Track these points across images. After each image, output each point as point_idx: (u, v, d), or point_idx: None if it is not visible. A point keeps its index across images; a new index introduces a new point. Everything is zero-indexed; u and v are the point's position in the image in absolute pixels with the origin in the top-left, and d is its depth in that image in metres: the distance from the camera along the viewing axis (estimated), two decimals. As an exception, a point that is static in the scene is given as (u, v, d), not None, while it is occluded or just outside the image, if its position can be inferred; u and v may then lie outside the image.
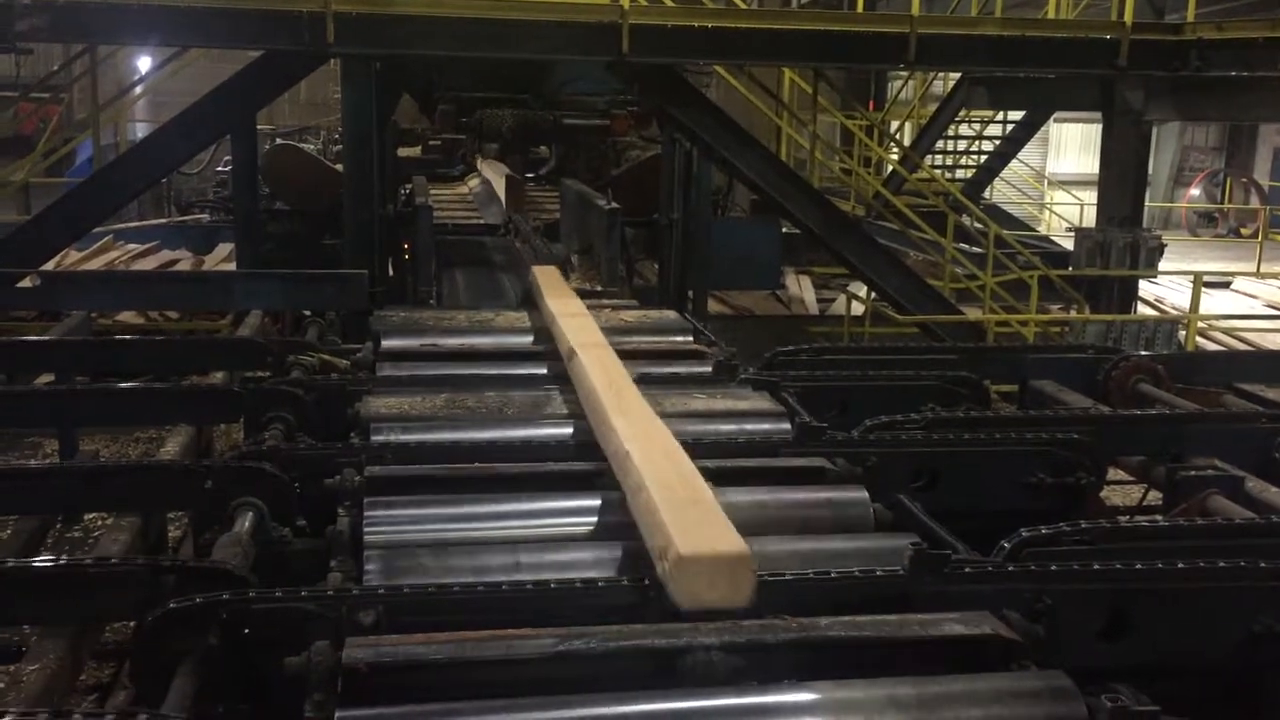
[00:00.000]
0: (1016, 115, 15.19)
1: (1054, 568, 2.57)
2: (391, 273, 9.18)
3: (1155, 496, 4.18)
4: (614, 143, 11.64)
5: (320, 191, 11.40)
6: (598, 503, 2.92)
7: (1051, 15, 11.72)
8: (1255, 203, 24.18)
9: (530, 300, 5.14)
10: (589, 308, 4.69)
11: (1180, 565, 2.60)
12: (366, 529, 2.72)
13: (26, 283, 6.41)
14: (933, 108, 15.58)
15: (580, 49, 8.59)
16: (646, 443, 2.93)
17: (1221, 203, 24.99)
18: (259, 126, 10.64)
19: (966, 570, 2.56)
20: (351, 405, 3.66)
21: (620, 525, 2.81)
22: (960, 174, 16.01)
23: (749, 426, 3.61)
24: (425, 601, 2.35)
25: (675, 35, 8.52)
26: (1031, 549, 2.73)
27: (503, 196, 10.10)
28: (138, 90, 13.90)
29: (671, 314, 5.16)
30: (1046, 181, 24.20)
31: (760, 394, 3.92)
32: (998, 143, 15.67)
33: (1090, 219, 12.04)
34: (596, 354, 3.80)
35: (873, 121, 13.78)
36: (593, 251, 7.99)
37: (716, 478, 3.10)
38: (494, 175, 11.53)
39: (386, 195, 9.32)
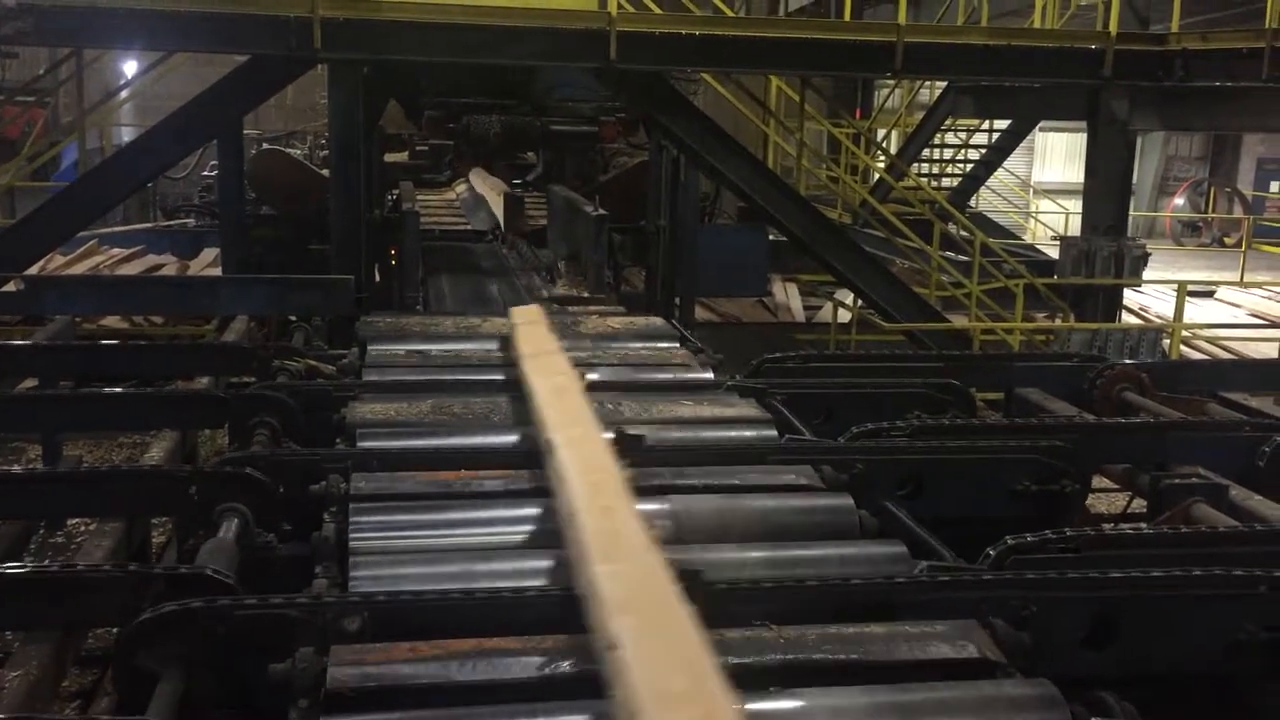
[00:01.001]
0: (1002, 124, 15.23)
1: (1039, 575, 2.58)
2: (378, 278, 9.17)
3: (1140, 504, 4.20)
4: (601, 149, 11.65)
5: (307, 196, 11.38)
6: (584, 509, 2.91)
7: (1037, 25, 11.77)
8: (1239, 212, 24.31)
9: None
10: (576, 314, 4.67)
11: (1165, 573, 2.61)
12: (352, 535, 2.71)
13: (10, 287, 6.39)
14: (919, 116, 15.62)
15: (568, 55, 8.59)
16: (659, 647, 1.88)
17: (1205, 212, 25.11)
18: (245, 131, 10.62)
19: (952, 578, 2.57)
20: (338, 411, 3.66)
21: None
22: (946, 182, 16.04)
23: (735, 433, 3.62)
24: (409, 608, 2.34)
25: (663, 42, 8.53)
26: (1017, 556, 2.74)
27: (501, 217, 10.02)
28: (124, 94, 13.80)
29: (659, 321, 5.16)
30: (1032, 190, 24.28)
31: (747, 401, 3.92)
32: (984, 151, 15.70)
33: (1075, 228, 12.06)
34: (590, 472, 2.63)
35: (859, 129, 13.82)
36: (580, 258, 7.99)
37: (703, 485, 3.11)
38: (490, 191, 11.44)
39: (373, 200, 9.31)
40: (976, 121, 15.57)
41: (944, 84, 13.76)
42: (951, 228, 12.00)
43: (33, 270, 8.65)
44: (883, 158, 15.69)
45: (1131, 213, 11.02)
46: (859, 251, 9.56)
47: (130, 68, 17.77)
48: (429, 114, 11.03)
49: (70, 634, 2.76)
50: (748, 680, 2.17)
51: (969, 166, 15.88)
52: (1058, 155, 26.68)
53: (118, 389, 4.66)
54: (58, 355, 5.30)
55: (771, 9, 17.95)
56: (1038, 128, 18.60)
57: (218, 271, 10.72)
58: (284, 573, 2.79)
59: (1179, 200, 25.80)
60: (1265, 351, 11.51)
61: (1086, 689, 2.19)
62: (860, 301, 9.97)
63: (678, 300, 10.09)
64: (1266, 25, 9.03)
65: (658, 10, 9.33)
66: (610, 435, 2.59)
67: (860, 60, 9.16)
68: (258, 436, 3.64)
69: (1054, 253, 11.73)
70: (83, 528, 6.19)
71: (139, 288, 7.96)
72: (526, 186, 12.14)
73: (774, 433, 3.64)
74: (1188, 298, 11.11)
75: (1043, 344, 10.17)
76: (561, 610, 2.38)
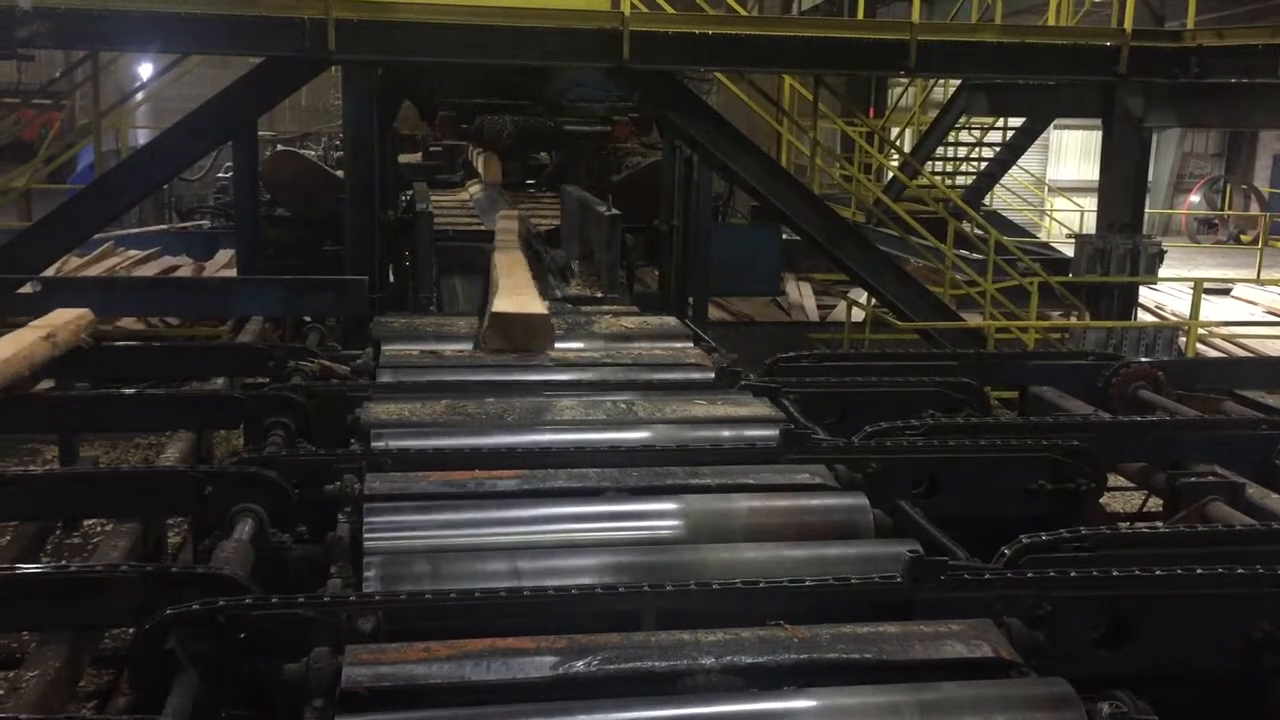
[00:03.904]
0: (1017, 122, 15.17)
1: (1054, 574, 2.57)
2: (392, 279, 9.18)
3: (1156, 503, 4.18)
4: (614, 149, 11.64)
5: (321, 198, 11.39)
6: (598, 510, 2.91)
7: (1052, 22, 11.72)
8: (1255, 209, 24.21)
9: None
10: (590, 314, 4.67)
11: (1180, 572, 2.60)
12: (366, 535, 2.71)
13: (27, 288, 6.40)
14: (933, 114, 15.57)
15: (581, 55, 8.59)
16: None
17: (1221, 209, 25.00)
18: (260, 133, 10.66)
19: (967, 577, 2.56)
20: (352, 411, 3.66)
21: (621, 532, 2.81)
22: (960, 180, 16.00)
23: (749, 433, 3.61)
24: (424, 608, 2.34)
25: (676, 42, 8.52)
26: (1032, 555, 2.73)
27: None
28: (139, 96, 13.85)
29: (672, 320, 5.16)
30: (1047, 188, 24.18)
31: (761, 400, 3.91)
32: (998, 149, 15.64)
33: (1090, 225, 12.02)
34: None
35: (873, 128, 13.78)
36: (593, 258, 7.99)
37: (717, 485, 3.10)
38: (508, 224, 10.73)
39: (387, 201, 9.32)
40: (990, 119, 15.52)
41: (958, 82, 13.72)
42: (966, 226, 11.97)
43: (49, 272, 8.69)
44: (896, 156, 15.64)
45: (1147, 210, 10.97)
46: (873, 250, 9.53)
47: (146, 70, 17.85)
48: (442, 115, 11.05)
49: (86, 634, 2.77)
50: (763, 679, 2.18)
51: (983, 164, 15.83)
52: (1072, 153, 26.61)
53: (133, 390, 4.67)
54: (73, 357, 5.31)
55: (785, 8, 17.93)
56: (1052, 125, 18.55)
57: (232, 273, 10.77)
58: (299, 573, 2.80)
59: (1195, 197, 25.70)
60: (1282, 349, 11.44)
61: (1102, 688, 2.18)
62: (874, 300, 9.95)
63: (691, 300, 10.07)
64: (1283, 21, 8.99)
65: (671, 10, 9.34)
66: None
67: (874, 59, 9.13)
68: (272, 437, 3.65)
69: (1069, 250, 11.67)
70: (99, 528, 6.22)
71: (154, 289, 7.96)
72: (539, 186, 12.15)
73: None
74: (1204, 295, 11.06)
75: (1058, 342, 10.14)
76: (576, 610, 2.38)
